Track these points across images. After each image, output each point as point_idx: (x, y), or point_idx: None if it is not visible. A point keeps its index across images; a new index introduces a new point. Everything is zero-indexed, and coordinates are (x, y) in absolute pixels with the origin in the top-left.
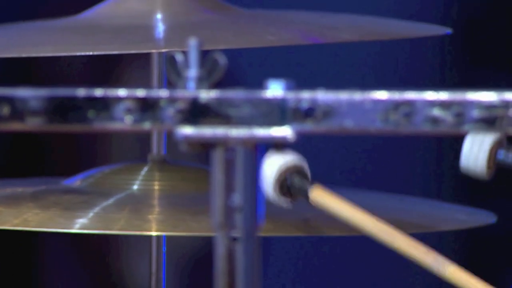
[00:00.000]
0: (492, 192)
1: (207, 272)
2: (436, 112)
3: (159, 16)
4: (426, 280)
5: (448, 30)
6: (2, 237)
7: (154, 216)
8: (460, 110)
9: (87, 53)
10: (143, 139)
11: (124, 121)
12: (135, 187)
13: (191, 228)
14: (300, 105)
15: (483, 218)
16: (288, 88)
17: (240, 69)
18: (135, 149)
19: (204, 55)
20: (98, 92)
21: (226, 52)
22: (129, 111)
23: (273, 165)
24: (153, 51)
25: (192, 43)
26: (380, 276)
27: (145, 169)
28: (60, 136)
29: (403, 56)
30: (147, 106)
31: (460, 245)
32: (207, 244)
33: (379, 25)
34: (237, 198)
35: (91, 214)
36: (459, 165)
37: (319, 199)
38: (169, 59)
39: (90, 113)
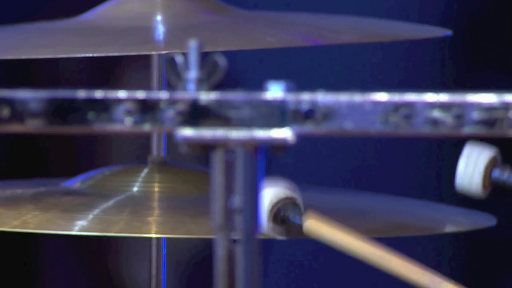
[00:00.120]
0: (492, 195)
1: (207, 274)
2: (436, 114)
3: (159, 17)
4: None
5: (448, 32)
6: (2, 238)
7: (154, 218)
8: (460, 112)
9: (87, 55)
10: (143, 140)
11: (124, 123)
12: (135, 189)
13: (191, 231)
14: (300, 107)
15: (482, 220)
16: (288, 89)
17: (240, 71)
18: (135, 150)
19: (204, 56)
20: (98, 93)
21: (226, 53)
22: (129, 112)
23: (266, 198)
24: (153, 52)
25: (192, 45)
26: (380, 279)
27: (145, 171)
28: (60, 138)
29: (403, 57)
30: (147, 108)
31: (459, 248)
32: (207, 246)
33: (379, 27)
34: (237, 200)
35: (90, 216)
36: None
37: (313, 229)
38: (169, 61)
39: (90, 115)
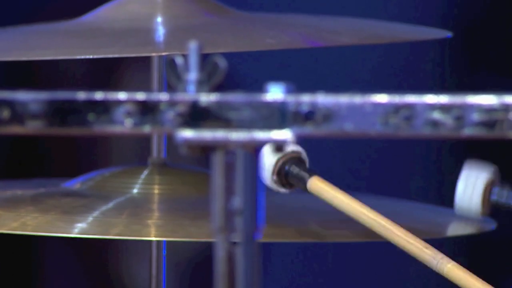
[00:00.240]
0: None
1: (207, 276)
2: (436, 115)
3: (159, 19)
4: (426, 287)
5: (448, 34)
6: (1, 240)
7: (153, 221)
8: (460, 114)
9: (88, 57)
10: (143, 142)
11: (124, 124)
12: (135, 190)
13: (190, 234)
14: (300, 109)
15: (482, 224)
16: (288, 91)
17: (240, 73)
18: (135, 152)
19: (204, 58)
20: (98, 95)
21: (226, 55)
22: (129, 114)
23: (272, 154)
24: (153, 54)
25: (192, 46)
26: (380, 281)
27: (145, 172)
28: (60, 139)
29: (403, 59)
30: (147, 109)
31: (460, 251)
32: (207, 248)
33: (379, 29)
34: (237, 202)
35: (90, 218)
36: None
37: (316, 189)
38: (169, 62)
39: (90, 116)
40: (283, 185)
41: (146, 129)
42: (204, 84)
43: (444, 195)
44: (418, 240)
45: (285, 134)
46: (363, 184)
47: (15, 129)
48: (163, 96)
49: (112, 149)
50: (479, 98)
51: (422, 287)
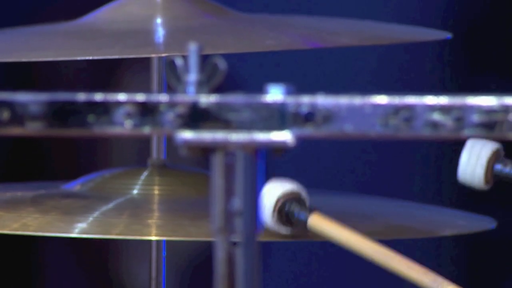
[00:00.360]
0: (492, 198)
1: (207, 277)
2: (436, 116)
3: (159, 20)
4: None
5: (448, 35)
6: (2, 241)
7: (153, 221)
8: (460, 115)
9: (87, 58)
10: (143, 143)
11: (124, 126)
12: (135, 191)
13: (190, 233)
14: (300, 110)
15: (482, 223)
16: (288, 92)
17: (240, 74)
18: (135, 153)
19: (204, 59)
20: (98, 96)
21: (225, 56)
22: (129, 115)
23: (271, 193)
24: (153, 55)
25: (192, 48)
26: (380, 281)
27: (145, 173)
28: (60, 141)
29: (403, 60)
30: (147, 111)
31: (459, 251)
32: (207, 248)
33: (379, 30)
34: (237, 203)
35: (90, 219)
36: (457, 176)
37: (317, 226)
38: (169, 64)
39: (90, 118)
40: (283, 223)
41: (146, 130)
42: (204, 85)
43: (444, 195)
44: (418, 266)
45: (285, 136)
46: (363, 185)
47: (15, 130)
48: (163, 97)
49: (112, 151)
50: (479, 99)
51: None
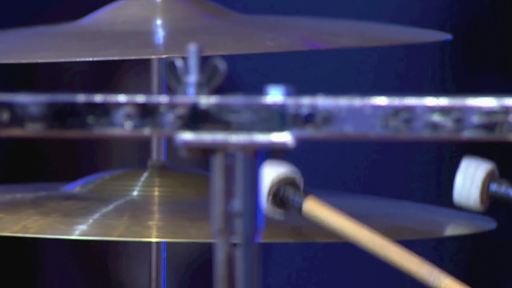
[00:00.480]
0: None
1: (207, 278)
2: (436, 118)
3: (159, 22)
4: (426, 286)
5: (448, 36)
6: (2, 243)
7: (154, 222)
8: (460, 116)
9: (87, 59)
10: (143, 145)
11: (124, 127)
12: (135, 193)
13: (190, 235)
14: (300, 111)
15: (482, 223)
16: (288, 93)
17: (239, 75)
18: (135, 155)
19: (204, 61)
20: (98, 97)
21: (225, 57)
22: (129, 116)
23: (266, 177)
24: (153, 57)
25: (192, 49)
26: (380, 281)
27: (145, 175)
28: (60, 142)
29: (403, 62)
30: (147, 112)
31: (459, 251)
32: (207, 250)
33: (379, 31)
34: (237, 204)
35: (90, 221)
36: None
37: (312, 211)
38: (169, 65)
39: (90, 119)
40: (278, 206)
41: (146, 131)
42: (204, 86)
43: (444, 196)
44: (415, 257)
45: (285, 137)
46: (363, 186)
47: (15, 132)
48: (163, 99)
49: (112, 152)
50: (478, 101)
51: (422, 286)
